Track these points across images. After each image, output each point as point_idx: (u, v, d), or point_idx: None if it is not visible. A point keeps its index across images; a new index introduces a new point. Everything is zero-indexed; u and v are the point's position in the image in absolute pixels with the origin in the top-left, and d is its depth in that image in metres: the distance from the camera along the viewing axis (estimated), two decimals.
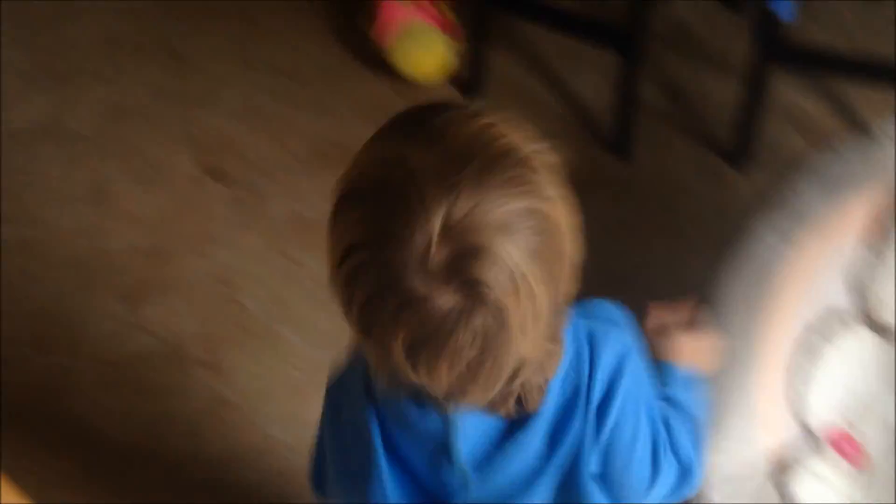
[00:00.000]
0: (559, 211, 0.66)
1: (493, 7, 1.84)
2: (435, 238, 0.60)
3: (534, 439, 0.76)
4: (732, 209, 1.73)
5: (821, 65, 1.75)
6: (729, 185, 1.77)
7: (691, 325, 0.98)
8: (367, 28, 1.92)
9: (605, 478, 0.80)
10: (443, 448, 0.75)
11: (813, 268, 1.24)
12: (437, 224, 0.60)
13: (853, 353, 1.21)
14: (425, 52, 1.90)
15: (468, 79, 1.91)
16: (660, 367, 0.92)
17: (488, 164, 0.62)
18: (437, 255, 0.60)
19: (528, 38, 1.96)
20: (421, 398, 0.73)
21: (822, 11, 1.94)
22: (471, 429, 0.75)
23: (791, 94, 1.87)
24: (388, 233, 0.61)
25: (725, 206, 1.74)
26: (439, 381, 0.64)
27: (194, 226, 1.76)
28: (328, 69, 1.98)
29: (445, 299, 0.61)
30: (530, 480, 0.78)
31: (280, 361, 1.58)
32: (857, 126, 1.81)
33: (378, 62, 1.91)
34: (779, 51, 1.65)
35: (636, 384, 0.80)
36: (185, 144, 1.88)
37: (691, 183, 1.78)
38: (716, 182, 1.77)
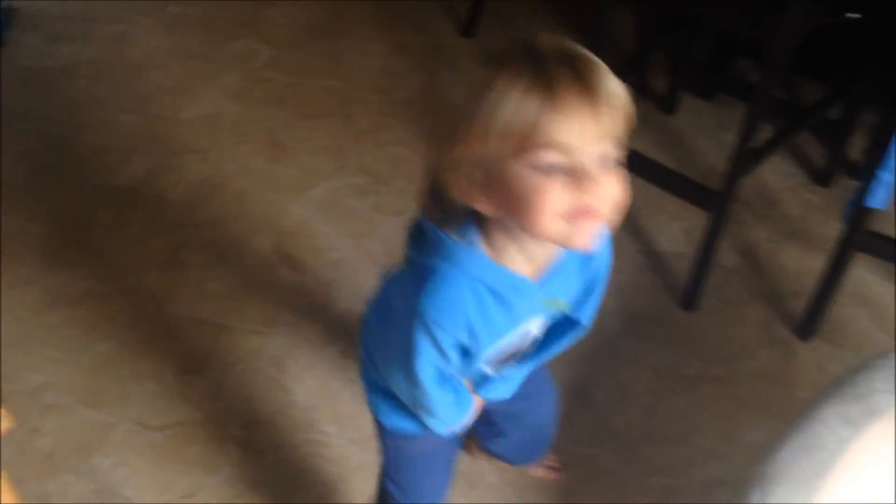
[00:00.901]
0: None
1: None
2: None
3: None
4: (790, 377, 1.70)
5: None
6: (790, 353, 1.74)
7: None
8: None
9: None
10: None
11: (876, 463, 1.19)
12: None
13: None
14: None
15: None
16: None
17: None
18: None
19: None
20: None
21: None
22: None
23: (869, 277, 1.85)
24: None
25: (784, 373, 1.71)
26: None
27: (259, 306, 1.79)
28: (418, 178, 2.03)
29: None
30: None
31: (313, 453, 1.58)
32: None
33: None
34: (865, 239, 1.64)
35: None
36: (265, 227, 1.93)
37: (753, 345, 1.75)
38: (778, 348, 1.75)
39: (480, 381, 1.11)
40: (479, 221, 0.90)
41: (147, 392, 1.64)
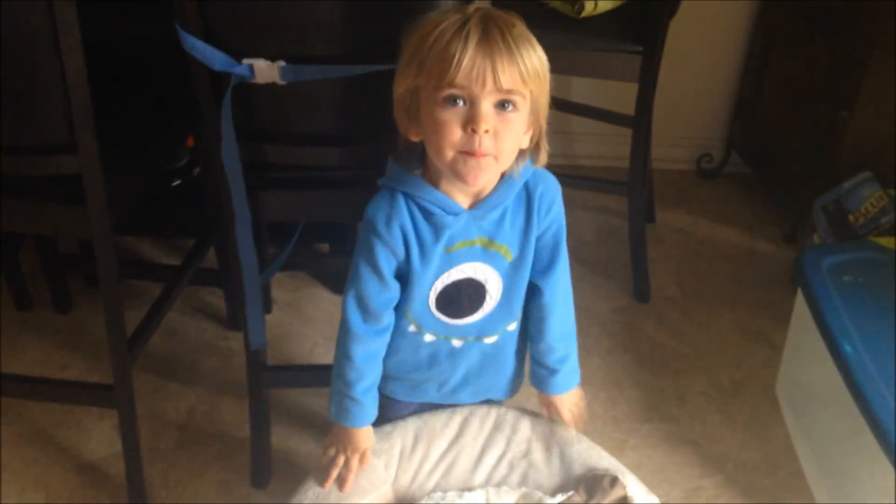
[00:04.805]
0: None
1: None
2: None
3: None
4: None
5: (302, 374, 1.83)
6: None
7: None
8: None
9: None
10: None
11: None
12: None
13: None
14: None
15: None
16: None
17: None
18: None
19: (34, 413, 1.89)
20: None
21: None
22: None
23: (301, 400, 1.92)
24: None
25: None
26: None
27: None
28: None
29: None
30: None
31: None
32: None
33: None
34: (270, 376, 1.68)
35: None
36: None
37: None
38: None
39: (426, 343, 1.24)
40: (426, 156, 1.11)
41: None
